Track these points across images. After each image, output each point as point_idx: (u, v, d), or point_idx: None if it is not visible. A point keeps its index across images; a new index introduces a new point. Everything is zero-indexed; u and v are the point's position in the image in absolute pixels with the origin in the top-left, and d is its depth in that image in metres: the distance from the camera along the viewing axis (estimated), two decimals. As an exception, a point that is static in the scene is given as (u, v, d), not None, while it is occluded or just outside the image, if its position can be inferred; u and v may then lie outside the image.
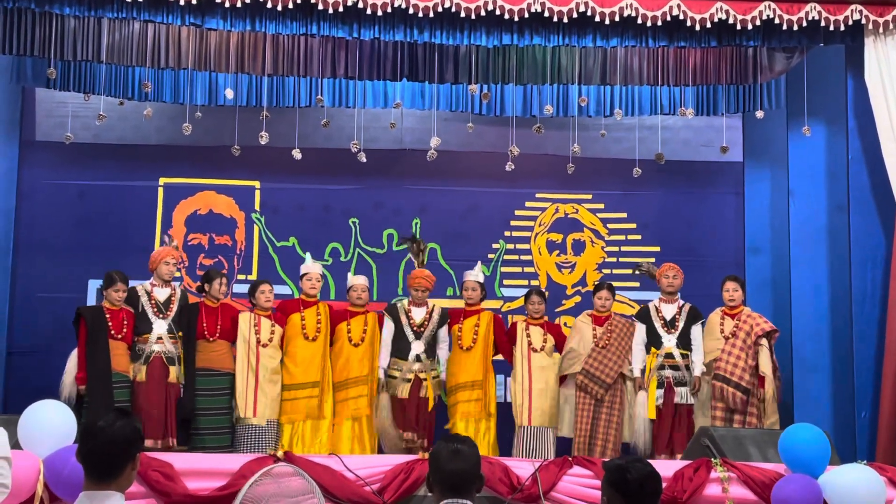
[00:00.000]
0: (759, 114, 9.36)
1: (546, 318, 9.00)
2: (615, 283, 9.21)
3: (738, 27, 8.31)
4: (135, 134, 10.28)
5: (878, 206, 8.63)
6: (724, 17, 8.24)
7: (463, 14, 8.15)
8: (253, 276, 9.86)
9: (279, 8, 8.08)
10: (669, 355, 8.57)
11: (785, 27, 8.32)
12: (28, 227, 9.88)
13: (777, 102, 9.73)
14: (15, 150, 9.81)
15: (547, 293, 9.44)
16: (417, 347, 8.56)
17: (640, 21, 8.22)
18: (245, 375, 8.26)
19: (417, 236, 9.50)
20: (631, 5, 8.17)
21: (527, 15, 8.19)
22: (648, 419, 8.49)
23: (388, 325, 8.68)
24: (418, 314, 8.67)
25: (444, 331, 8.73)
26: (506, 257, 10.36)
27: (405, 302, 8.79)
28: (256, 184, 10.27)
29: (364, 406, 8.45)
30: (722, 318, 8.64)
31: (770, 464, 6.88)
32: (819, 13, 8.28)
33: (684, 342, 8.61)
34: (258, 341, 8.34)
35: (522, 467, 6.72)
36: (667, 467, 6.63)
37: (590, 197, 10.52)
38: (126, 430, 3.28)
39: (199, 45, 8.60)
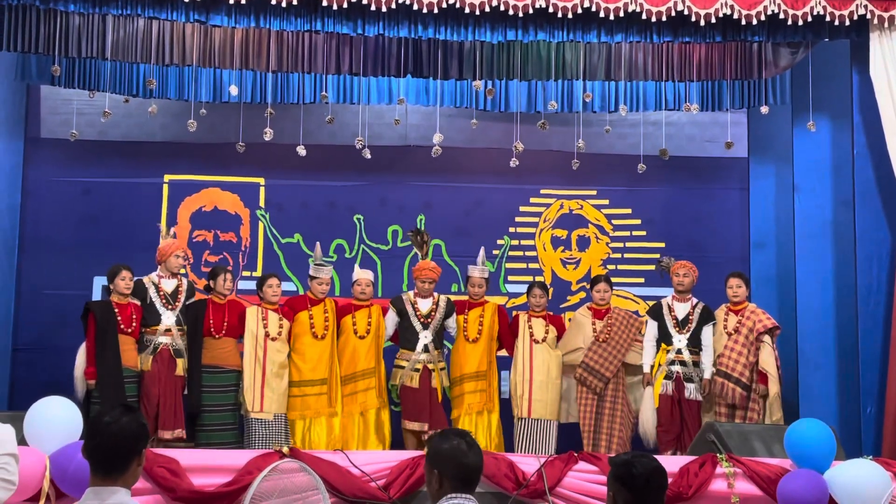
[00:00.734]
0: (764, 109, 9.35)
1: (549, 312, 9.00)
2: (621, 279, 9.20)
3: (743, 22, 8.29)
4: (140, 131, 10.29)
5: (883, 201, 8.61)
6: (728, 12, 8.22)
7: (467, 10, 8.14)
8: (258, 273, 9.85)
9: (283, 4, 8.08)
10: (679, 352, 8.57)
11: (790, 22, 8.30)
12: (33, 225, 9.90)
13: (782, 98, 9.72)
14: (20, 147, 9.83)
15: (552, 289, 9.44)
16: (425, 337, 8.56)
17: (644, 16, 8.21)
18: (252, 369, 8.25)
19: (422, 229, 9.50)
20: (635, 1, 8.16)
21: (531, 11, 8.17)
22: (655, 413, 8.48)
23: (392, 317, 8.68)
24: (425, 305, 8.68)
25: (452, 321, 8.73)
26: (510, 253, 10.35)
27: (411, 294, 8.79)
28: (261, 180, 10.27)
29: (373, 399, 8.45)
30: (726, 314, 8.64)
31: (776, 459, 6.89)
32: (824, 8, 8.26)
33: (695, 342, 8.60)
34: (266, 335, 8.34)
35: (528, 463, 6.73)
36: (672, 463, 6.64)
37: (594, 193, 10.52)
38: (132, 425, 3.29)
39: (203, 41, 8.62)
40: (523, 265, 10.37)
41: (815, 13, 8.27)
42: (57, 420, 6.08)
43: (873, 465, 6.58)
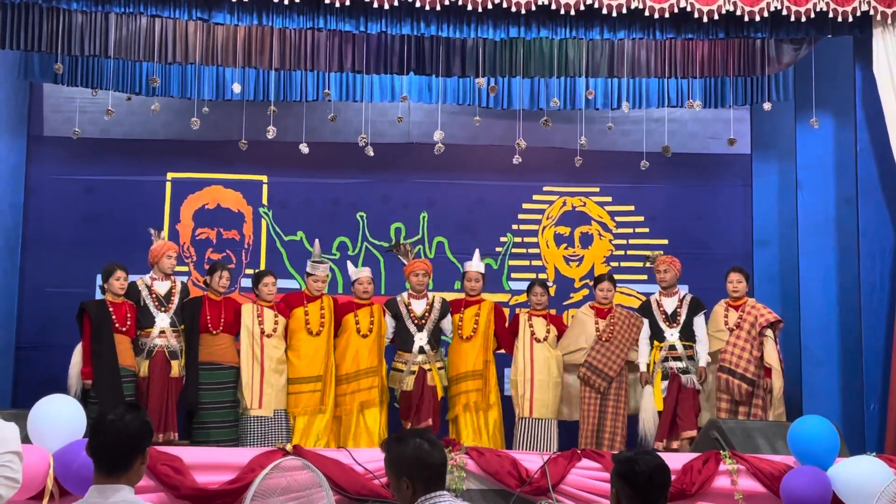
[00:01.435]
0: (767, 106, 9.32)
1: (551, 310, 9.00)
2: (623, 276, 9.19)
3: (746, 19, 8.28)
4: (142, 129, 10.30)
5: (886, 197, 8.61)
6: (731, 8, 8.21)
7: (470, 7, 8.15)
8: (261, 271, 9.86)
9: (286, 2, 8.08)
10: (673, 348, 8.57)
11: (793, 18, 8.29)
12: (36, 223, 9.91)
13: (785, 94, 9.70)
14: (23, 145, 9.83)
15: (554, 286, 9.44)
16: (420, 339, 8.55)
17: (647, 13, 8.20)
18: (250, 366, 8.26)
19: (397, 241, 9.51)
20: (638, -3, 8.17)
21: (534, 7, 8.18)
22: (656, 412, 8.48)
23: (388, 321, 8.68)
24: (419, 306, 8.67)
25: (447, 322, 8.72)
26: (513, 251, 10.35)
27: (404, 295, 8.78)
28: (264, 178, 10.27)
29: (376, 397, 8.45)
30: (726, 309, 8.63)
31: (779, 456, 6.89)
32: (827, 4, 8.25)
33: (687, 334, 8.60)
34: (262, 332, 8.34)
35: (531, 460, 6.74)
36: (676, 459, 6.63)
37: (597, 190, 10.51)
38: (136, 423, 3.29)
39: (206, 39, 8.61)
40: (526, 262, 10.37)
41: (818, 9, 8.26)
42: (60, 418, 6.09)
43: (877, 461, 6.58)
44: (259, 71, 9.38)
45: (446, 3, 8.11)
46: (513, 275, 10.31)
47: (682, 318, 8.62)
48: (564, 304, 10.12)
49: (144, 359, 8.14)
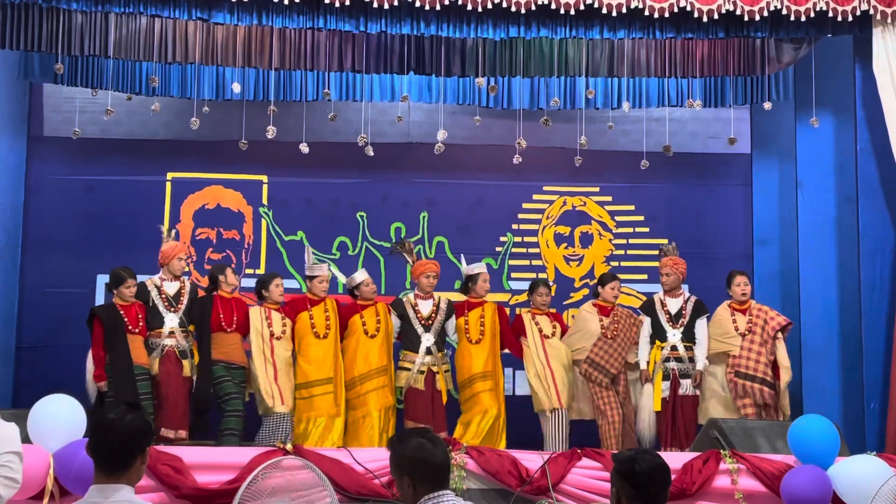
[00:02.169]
0: (767, 105, 9.32)
1: (551, 309, 8.99)
2: (624, 276, 9.20)
3: (746, 18, 8.28)
4: (142, 129, 10.30)
5: (886, 196, 8.60)
6: (731, 8, 8.21)
7: (469, 7, 8.14)
8: (261, 271, 9.85)
9: (286, 2, 8.08)
10: (674, 348, 8.57)
11: (793, 18, 8.29)
12: (36, 223, 9.91)
13: (785, 94, 9.70)
14: (23, 145, 9.84)
15: (554, 286, 9.43)
16: (427, 340, 8.54)
17: (647, 13, 8.20)
18: (264, 368, 8.25)
19: (399, 239, 9.50)
20: (638, -3, 8.17)
21: (533, 7, 8.17)
22: (654, 411, 8.49)
23: (394, 321, 8.67)
24: (425, 307, 8.66)
25: (451, 323, 8.71)
26: (513, 250, 10.35)
27: (410, 296, 8.78)
28: (264, 178, 10.28)
29: (387, 396, 8.45)
30: (732, 313, 8.59)
31: (779, 455, 6.88)
32: (827, 4, 8.25)
33: (689, 336, 8.60)
34: (272, 334, 8.33)
35: (531, 460, 6.73)
36: (676, 459, 6.64)
37: (597, 189, 10.51)
38: (136, 423, 3.29)
39: (205, 39, 8.61)
40: (526, 262, 10.37)
41: (817, 9, 8.26)
42: (60, 418, 6.09)
43: (877, 460, 6.58)
44: (259, 71, 9.38)
45: (446, 2, 8.11)
46: (513, 274, 10.31)
47: (686, 320, 8.61)
48: (564, 303, 10.12)
49: (155, 358, 8.15)
